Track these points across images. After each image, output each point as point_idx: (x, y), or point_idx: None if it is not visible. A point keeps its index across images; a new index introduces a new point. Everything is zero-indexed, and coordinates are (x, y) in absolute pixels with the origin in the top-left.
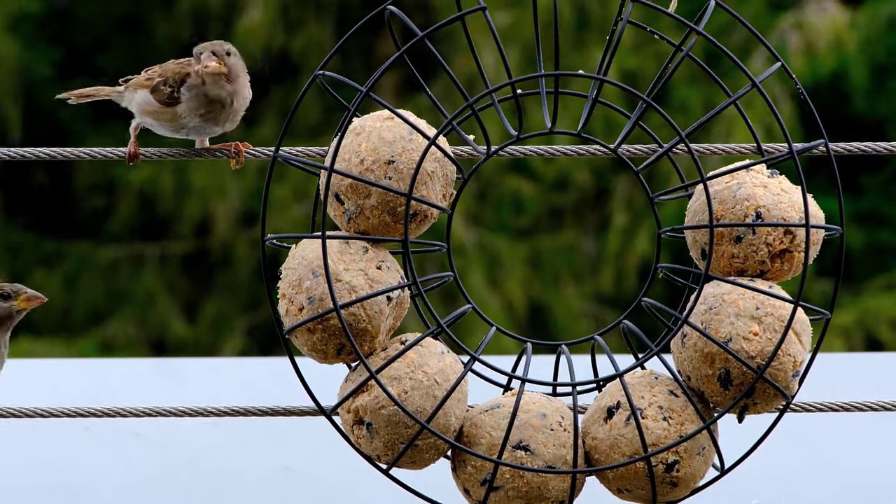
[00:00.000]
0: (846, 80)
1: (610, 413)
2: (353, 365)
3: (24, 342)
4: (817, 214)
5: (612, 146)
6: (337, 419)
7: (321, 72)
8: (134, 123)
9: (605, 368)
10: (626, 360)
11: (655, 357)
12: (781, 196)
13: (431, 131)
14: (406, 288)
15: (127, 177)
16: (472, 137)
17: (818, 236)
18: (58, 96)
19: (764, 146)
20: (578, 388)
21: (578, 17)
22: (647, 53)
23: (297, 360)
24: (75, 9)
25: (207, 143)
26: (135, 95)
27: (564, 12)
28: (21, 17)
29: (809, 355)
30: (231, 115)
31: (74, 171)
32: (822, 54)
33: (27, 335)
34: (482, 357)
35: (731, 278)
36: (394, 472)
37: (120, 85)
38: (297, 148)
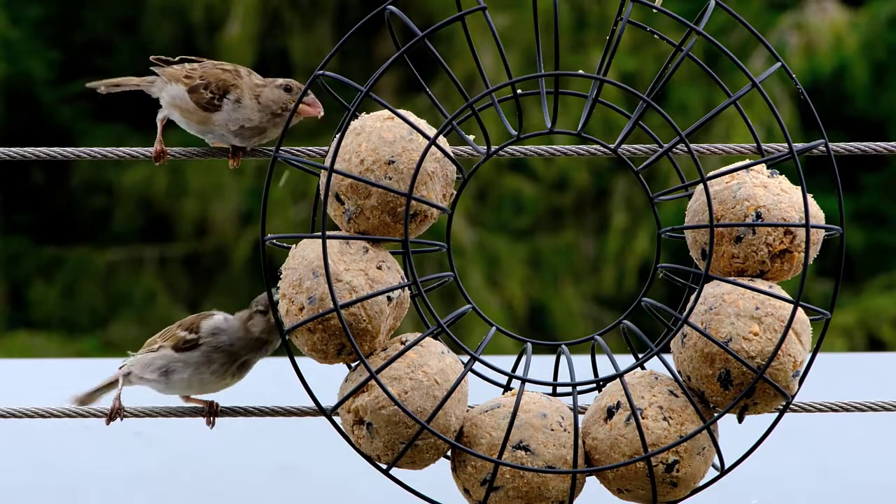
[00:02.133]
0: (846, 80)
1: (610, 413)
2: (354, 365)
3: (24, 336)
4: (817, 214)
5: (611, 146)
6: (337, 419)
7: (321, 72)
8: (161, 115)
9: (605, 368)
10: (626, 360)
11: (655, 357)
12: (781, 196)
13: (431, 131)
14: (406, 288)
15: (128, 179)
16: (472, 137)
17: (818, 236)
18: (88, 85)
19: (764, 146)
20: (578, 388)
21: (577, 18)
22: (647, 55)
23: (297, 360)
24: (75, 10)
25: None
26: (168, 87)
27: (563, 14)
28: (20, 20)
29: (809, 355)
30: (256, 140)
31: (71, 172)
32: (822, 54)
33: (26, 330)
34: (482, 357)
35: (731, 278)
36: (394, 472)
37: (151, 75)
38: (297, 148)
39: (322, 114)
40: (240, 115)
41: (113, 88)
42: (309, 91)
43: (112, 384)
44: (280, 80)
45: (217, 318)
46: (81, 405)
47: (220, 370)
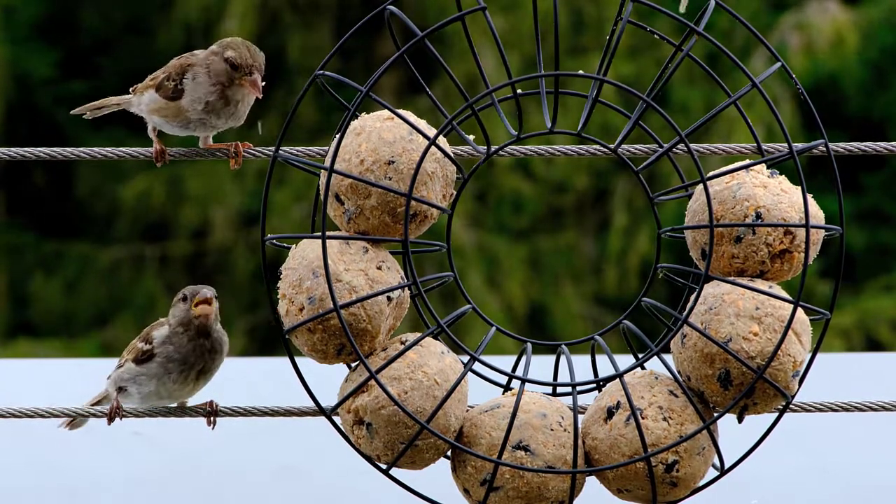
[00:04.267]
0: (846, 80)
1: (610, 413)
2: (353, 365)
3: (25, 344)
4: (817, 214)
5: (611, 146)
6: (337, 419)
7: (321, 72)
8: (149, 126)
9: (605, 368)
10: (626, 360)
11: (655, 357)
12: (781, 196)
13: (431, 131)
14: (406, 288)
15: (128, 179)
16: (472, 137)
17: (818, 236)
18: (73, 112)
19: (764, 146)
20: (578, 388)
21: (574, 22)
22: (647, 59)
23: (297, 360)
24: (75, 11)
25: (211, 142)
26: (142, 98)
27: (560, 17)
28: (19, 19)
29: (809, 355)
30: (234, 112)
31: (74, 175)
32: (822, 54)
33: (27, 337)
34: (482, 357)
35: (731, 278)
36: (394, 472)
37: (129, 94)
38: (297, 148)
39: (259, 95)
40: (200, 91)
41: (97, 112)
42: (253, 69)
43: (102, 399)
44: (229, 52)
45: (165, 328)
46: (73, 428)
47: (179, 378)
